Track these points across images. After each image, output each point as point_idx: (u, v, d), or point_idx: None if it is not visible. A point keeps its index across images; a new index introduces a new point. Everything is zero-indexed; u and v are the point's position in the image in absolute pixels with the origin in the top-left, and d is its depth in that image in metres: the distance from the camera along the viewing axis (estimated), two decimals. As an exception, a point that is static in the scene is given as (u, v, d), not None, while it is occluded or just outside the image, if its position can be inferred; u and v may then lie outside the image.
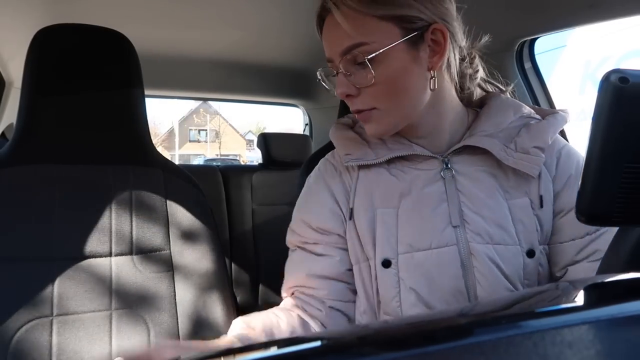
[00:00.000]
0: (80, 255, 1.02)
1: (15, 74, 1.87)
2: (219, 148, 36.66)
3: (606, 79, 0.63)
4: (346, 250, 0.84)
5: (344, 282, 0.84)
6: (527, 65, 1.63)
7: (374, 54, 0.72)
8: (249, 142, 37.57)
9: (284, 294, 0.89)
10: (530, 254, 0.77)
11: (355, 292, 0.85)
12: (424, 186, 0.80)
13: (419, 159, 0.82)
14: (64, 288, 0.98)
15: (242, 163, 20.40)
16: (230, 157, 30.35)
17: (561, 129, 0.82)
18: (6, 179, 1.01)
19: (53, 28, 1.05)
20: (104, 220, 1.05)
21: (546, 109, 0.87)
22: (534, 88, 1.63)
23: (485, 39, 0.86)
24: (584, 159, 0.63)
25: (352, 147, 0.85)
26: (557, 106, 1.66)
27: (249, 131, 39.79)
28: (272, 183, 2.38)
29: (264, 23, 1.77)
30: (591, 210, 0.72)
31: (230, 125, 38.68)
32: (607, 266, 1.01)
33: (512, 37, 1.55)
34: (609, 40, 3.38)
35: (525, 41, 1.57)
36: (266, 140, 2.46)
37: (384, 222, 0.80)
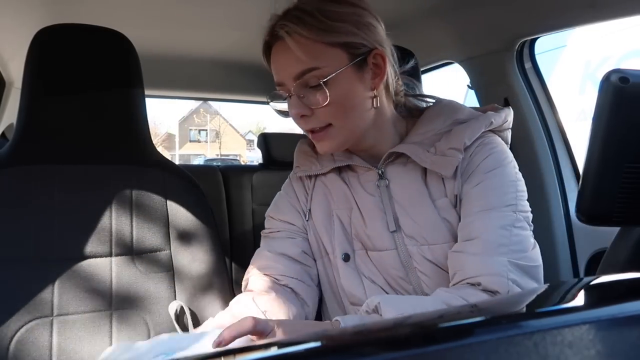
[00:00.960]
0: (81, 256, 1.02)
1: (16, 74, 1.87)
2: (219, 148, 36.67)
3: (606, 79, 0.63)
4: (306, 239, 0.94)
5: (300, 263, 0.92)
6: (528, 65, 1.63)
7: (327, 78, 0.79)
8: (249, 142, 37.56)
9: (244, 281, 0.96)
10: None
11: (312, 278, 0.93)
12: (364, 197, 0.89)
13: (361, 170, 0.91)
14: (64, 288, 0.98)
15: (243, 163, 20.39)
16: (231, 157, 30.35)
17: (485, 129, 0.86)
18: (6, 179, 1.01)
19: (53, 28, 1.05)
20: (104, 221, 1.05)
21: (487, 107, 0.92)
22: (534, 88, 1.63)
23: (412, 62, 0.96)
24: (585, 160, 0.62)
25: (302, 160, 0.98)
26: (557, 106, 1.66)
27: (249, 131, 39.78)
28: (273, 183, 2.36)
29: (265, 23, 1.77)
30: (592, 210, 0.72)
31: (230, 125, 38.69)
32: (607, 266, 1.01)
33: (513, 37, 1.55)
34: (609, 40, 3.37)
35: (525, 41, 1.57)
36: (266, 140, 2.45)
37: (340, 221, 0.90)
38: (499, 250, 0.76)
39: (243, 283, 0.96)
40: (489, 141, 0.87)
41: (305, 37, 0.78)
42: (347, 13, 0.80)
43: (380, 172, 0.88)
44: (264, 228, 1.00)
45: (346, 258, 0.88)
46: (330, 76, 0.79)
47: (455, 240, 0.83)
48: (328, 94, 0.79)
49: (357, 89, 0.82)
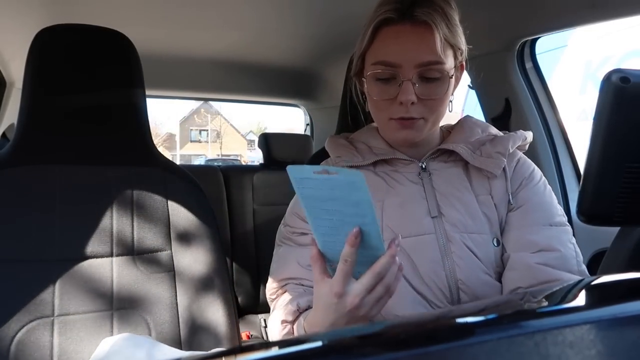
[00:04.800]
0: (81, 256, 1.02)
1: (17, 74, 1.87)
2: (220, 148, 36.69)
3: (607, 79, 0.63)
4: None
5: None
6: (528, 65, 1.63)
7: (451, 75, 0.85)
8: (250, 142, 37.57)
9: (274, 289, 0.92)
10: (497, 242, 0.89)
11: None
12: (405, 186, 0.92)
13: (400, 163, 0.94)
14: (65, 288, 0.98)
15: (243, 163, 20.38)
16: (232, 157, 30.36)
17: (520, 143, 0.96)
18: (7, 179, 1.01)
19: (54, 28, 1.05)
20: (105, 221, 1.05)
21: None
22: (535, 88, 1.63)
23: None
24: (585, 160, 0.62)
25: (343, 151, 0.98)
26: (558, 106, 1.66)
27: (250, 131, 39.79)
28: (273, 183, 2.37)
29: (265, 23, 1.77)
30: (592, 210, 0.72)
31: (231, 125, 38.71)
32: (608, 266, 1.01)
33: (513, 37, 1.55)
34: (610, 40, 3.37)
35: (526, 41, 1.57)
36: (267, 140, 2.45)
37: None
38: (573, 262, 0.85)
39: (272, 292, 0.92)
40: (523, 155, 0.97)
41: (443, 32, 0.82)
42: (458, 21, 0.87)
43: (422, 165, 0.93)
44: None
45: None
46: (451, 74, 0.85)
47: (493, 235, 0.88)
48: (443, 89, 0.85)
49: (451, 91, 0.89)
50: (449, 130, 1.00)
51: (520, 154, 0.97)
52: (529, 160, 0.97)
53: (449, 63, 0.85)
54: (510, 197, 0.91)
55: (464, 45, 0.88)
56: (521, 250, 0.86)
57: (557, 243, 0.86)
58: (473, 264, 0.86)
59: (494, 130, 0.99)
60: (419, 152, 0.94)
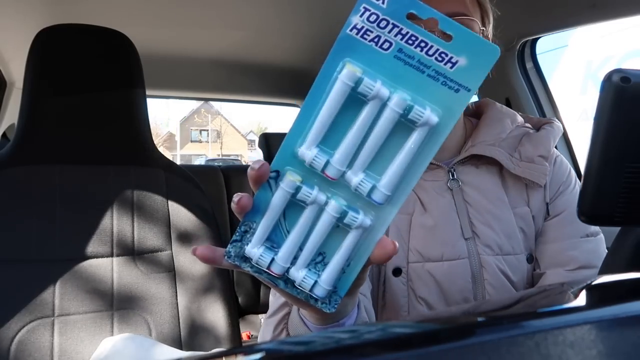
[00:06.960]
0: (82, 256, 1.02)
1: (17, 74, 1.87)
2: (221, 148, 36.71)
3: (608, 79, 0.63)
4: None
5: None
6: (529, 65, 1.63)
7: (480, 31, 0.77)
8: (251, 142, 37.58)
9: None
10: (530, 259, 0.81)
11: (371, 295, 0.82)
12: (433, 197, 0.80)
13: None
14: (65, 289, 0.98)
15: (244, 163, 20.35)
16: (232, 157, 30.37)
17: (558, 138, 0.85)
18: (8, 179, 1.01)
19: (54, 28, 1.05)
20: (105, 221, 1.05)
21: (536, 118, 0.91)
22: (536, 88, 1.63)
23: None
24: (586, 159, 0.62)
25: None
26: (559, 106, 1.66)
27: (251, 131, 39.82)
28: (274, 183, 2.37)
29: (265, 23, 1.77)
30: (593, 210, 0.72)
31: (231, 125, 38.73)
32: (609, 266, 1.01)
33: (514, 37, 1.55)
34: (611, 40, 3.37)
35: (526, 41, 1.57)
36: (268, 140, 2.45)
37: (397, 228, 0.80)
38: None
39: None
40: (557, 152, 0.87)
41: None
42: None
43: (452, 171, 0.82)
44: None
45: (396, 272, 0.78)
46: (483, 30, 0.79)
47: (527, 251, 0.80)
48: None
49: None
50: (470, 119, 0.90)
51: (556, 152, 0.86)
52: (565, 160, 0.87)
53: (478, 23, 0.77)
54: (548, 207, 0.82)
55: (491, 17, 0.82)
56: (559, 267, 0.79)
57: (596, 258, 0.79)
58: (504, 291, 0.79)
59: (519, 118, 0.89)
60: (444, 149, 0.83)
